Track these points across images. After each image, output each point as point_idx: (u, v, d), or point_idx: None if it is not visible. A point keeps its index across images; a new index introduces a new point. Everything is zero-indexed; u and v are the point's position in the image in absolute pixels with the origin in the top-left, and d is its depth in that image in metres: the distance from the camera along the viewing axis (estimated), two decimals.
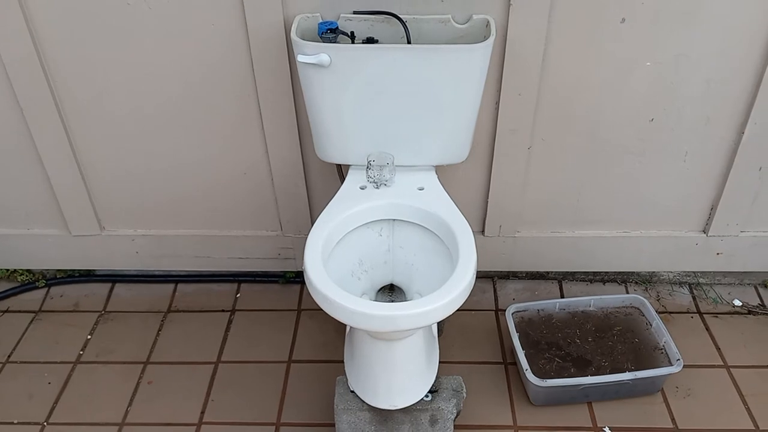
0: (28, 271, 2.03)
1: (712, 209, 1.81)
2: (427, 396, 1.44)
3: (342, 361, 1.66)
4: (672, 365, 1.61)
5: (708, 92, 1.61)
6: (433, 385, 1.44)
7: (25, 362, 1.79)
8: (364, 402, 1.42)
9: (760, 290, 1.95)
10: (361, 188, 1.51)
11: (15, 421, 1.63)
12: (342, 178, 1.64)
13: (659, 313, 1.78)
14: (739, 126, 1.66)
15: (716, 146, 1.70)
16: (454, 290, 1.22)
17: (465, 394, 1.48)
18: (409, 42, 1.43)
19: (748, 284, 1.97)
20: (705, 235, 1.85)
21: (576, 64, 1.56)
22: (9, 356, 1.80)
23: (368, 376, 1.40)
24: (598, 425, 1.59)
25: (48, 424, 1.63)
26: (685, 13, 1.49)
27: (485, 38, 1.42)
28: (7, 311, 1.95)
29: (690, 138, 1.68)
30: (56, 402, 1.68)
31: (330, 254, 1.38)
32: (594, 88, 1.60)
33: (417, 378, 1.42)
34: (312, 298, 1.26)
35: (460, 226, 1.37)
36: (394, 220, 1.49)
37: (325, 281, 1.23)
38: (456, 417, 1.48)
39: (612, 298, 1.80)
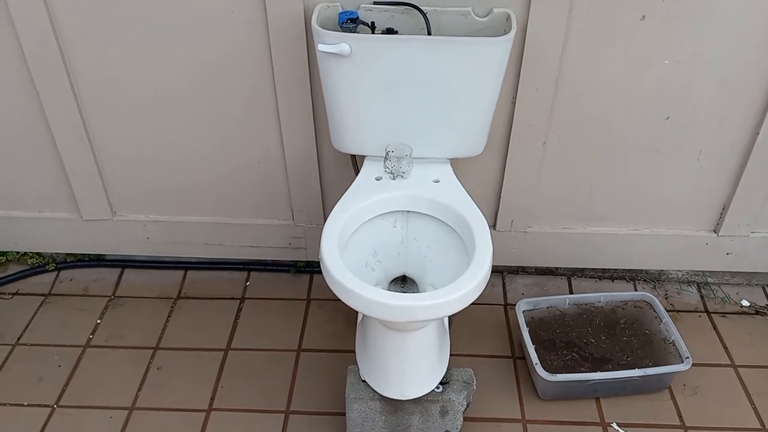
0: (39, 254, 2.04)
1: (724, 209, 1.81)
2: (438, 387, 1.44)
3: (351, 351, 1.67)
4: (681, 363, 1.62)
5: (724, 92, 1.61)
6: (444, 376, 1.45)
7: (34, 345, 1.79)
8: (375, 392, 1.43)
9: None
10: (377, 179, 1.51)
11: (25, 403, 1.64)
12: (356, 170, 1.64)
13: (667, 311, 1.78)
14: (754, 126, 1.66)
15: (730, 146, 1.70)
16: (471, 282, 1.22)
17: (475, 387, 1.49)
18: (429, 34, 1.43)
19: (756, 285, 1.98)
20: (715, 234, 1.86)
21: (594, 60, 1.56)
22: (19, 338, 1.81)
23: (380, 366, 1.41)
24: (606, 421, 1.60)
25: (58, 406, 1.63)
26: (703, 12, 1.49)
27: (505, 32, 1.42)
28: (17, 294, 1.95)
29: (704, 137, 1.69)
30: (66, 385, 1.68)
31: (345, 244, 1.38)
32: (611, 85, 1.60)
33: (429, 369, 1.42)
34: (322, 288, 1.27)
35: (476, 219, 1.38)
36: (408, 211, 1.49)
37: (342, 270, 1.24)
38: (466, 409, 1.48)
39: (622, 295, 1.81)
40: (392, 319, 1.22)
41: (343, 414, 1.54)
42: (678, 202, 1.81)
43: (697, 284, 1.98)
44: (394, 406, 1.45)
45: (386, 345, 1.37)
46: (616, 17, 1.50)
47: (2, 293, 1.95)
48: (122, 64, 1.62)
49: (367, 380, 1.44)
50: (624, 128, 1.67)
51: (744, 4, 1.48)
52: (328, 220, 1.37)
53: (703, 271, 1.96)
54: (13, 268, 2.02)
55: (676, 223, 1.85)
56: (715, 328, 1.85)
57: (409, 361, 1.38)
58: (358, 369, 1.48)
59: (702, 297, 1.94)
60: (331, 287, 1.25)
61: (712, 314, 1.89)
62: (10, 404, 1.64)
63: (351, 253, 1.40)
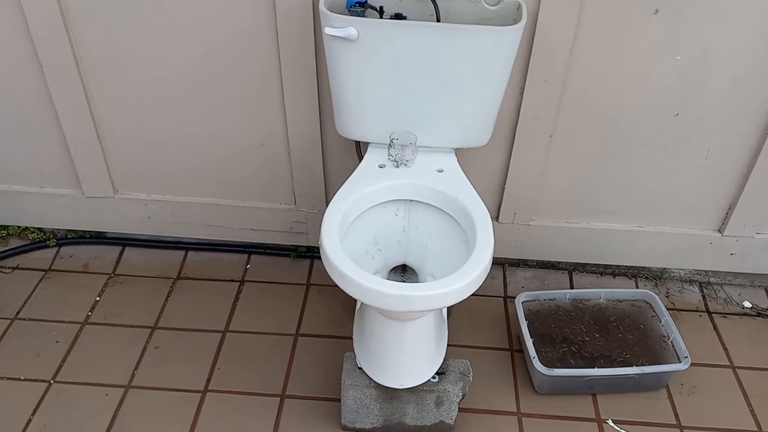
0: (40, 229, 2.04)
1: (730, 209, 1.79)
2: (434, 377, 1.44)
3: (349, 338, 1.67)
4: (679, 362, 1.61)
5: (735, 89, 1.59)
6: (440, 367, 1.45)
7: (33, 320, 1.79)
8: (371, 379, 1.43)
9: None
10: (380, 166, 1.50)
11: (22, 378, 1.64)
12: (360, 156, 1.63)
13: (668, 309, 1.77)
14: (765, 126, 1.64)
15: (739, 145, 1.68)
16: (470, 274, 1.21)
17: (472, 378, 1.49)
18: (438, 20, 1.41)
19: (759, 286, 1.96)
20: (720, 234, 1.84)
21: (605, 53, 1.54)
22: (18, 313, 1.81)
23: (377, 354, 1.40)
24: (602, 417, 1.60)
25: (55, 382, 1.64)
26: (717, 8, 1.47)
27: (516, 21, 1.40)
28: (17, 268, 1.95)
29: (713, 135, 1.67)
30: (63, 361, 1.69)
31: (346, 231, 1.37)
32: (621, 79, 1.58)
33: (425, 359, 1.42)
34: (322, 273, 1.26)
35: (479, 211, 1.36)
36: (410, 200, 1.48)
37: (341, 258, 1.23)
38: (461, 400, 1.48)
39: (622, 292, 1.80)
40: (390, 308, 1.21)
41: (339, 400, 1.54)
42: (683, 200, 1.79)
43: (699, 284, 1.96)
44: (389, 394, 1.45)
45: (383, 333, 1.37)
46: (629, 10, 1.48)
47: (2, 267, 1.95)
48: (128, 42, 1.61)
49: (363, 368, 1.44)
50: (632, 123, 1.65)
51: (758, 0, 1.45)
52: (329, 206, 1.36)
53: (705, 271, 1.95)
54: (14, 243, 2.02)
55: (680, 221, 1.84)
56: (715, 328, 1.83)
57: (405, 351, 1.38)
58: (355, 356, 1.47)
59: (704, 296, 1.93)
60: (330, 274, 1.25)
61: (713, 314, 1.88)
62: (7, 378, 1.64)
63: (351, 241, 1.39)
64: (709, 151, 1.69)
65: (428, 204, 1.46)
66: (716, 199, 1.78)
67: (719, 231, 1.85)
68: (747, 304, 1.91)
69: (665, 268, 1.96)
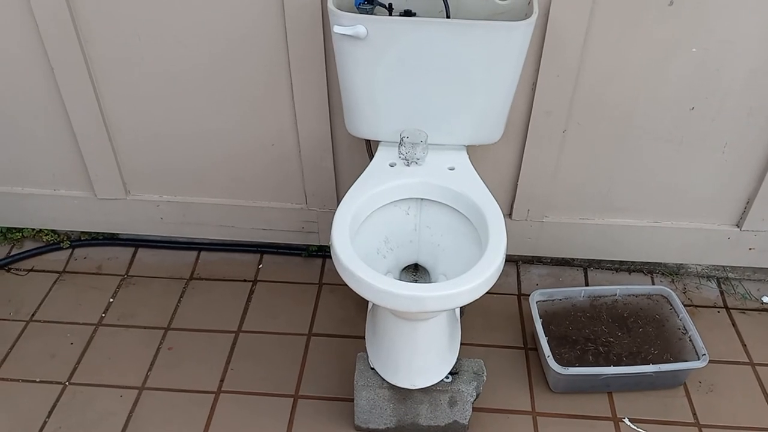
0: (53, 231, 2.05)
1: (748, 203, 1.76)
2: (447, 377, 1.43)
3: (362, 337, 1.66)
4: (697, 359, 1.58)
5: (752, 82, 1.55)
6: (454, 366, 1.44)
7: (48, 322, 1.80)
8: (384, 380, 1.42)
9: None
10: (391, 165, 1.49)
11: (37, 380, 1.65)
12: (371, 155, 1.62)
13: (685, 306, 1.75)
14: None
15: (757, 138, 1.65)
16: (483, 274, 1.20)
17: (485, 378, 1.47)
18: (448, 16, 1.40)
19: None
20: (738, 229, 1.81)
21: (619, 46, 1.51)
22: (33, 315, 1.82)
23: (390, 354, 1.39)
24: (618, 416, 1.58)
25: (69, 384, 1.65)
26: None
27: (527, 16, 1.37)
28: (32, 270, 1.96)
29: (731, 129, 1.63)
30: (78, 363, 1.70)
31: (357, 230, 1.36)
32: (635, 73, 1.55)
33: (438, 359, 1.41)
34: (334, 272, 1.25)
35: (491, 209, 1.35)
36: (422, 199, 1.47)
37: (352, 258, 1.22)
38: (475, 400, 1.47)
39: (639, 289, 1.77)
40: (402, 309, 1.20)
41: (352, 400, 1.53)
42: (700, 194, 1.76)
43: (717, 279, 1.93)
44: (402, 394, 1.44)
45: (396, 334, 1.36)
46: (643, 2, 1.45)
47: (17, 269, 1.97)
48: (137, 43, 1.61)
49: (376, 368, 1.43)
50: (647, 118, 1.63)
51: None
52: (339, 206, 1.35)
53: (723, 266, 1.92)
54: (29, 245, 2.03)
55: (697, 216, 1.81)
56: (734, 324, 1.80)
57: (418, 351, 1.37)
58: (368, 356, 1.46)
59: (721, 292, 1.90)
60: (340, 275, 1.24)
61: (731, 310, 1.85)
62: (23, 380, 1.65)
63: (362, 240, 1.38)
64: (727, 144, 1.66)
65: (440, 202, 1.44)
66: (734, 193, 1.75)
67: (737, 225, 1.81)
68: (766, 300, 1.87)
69: (682, 264, 1.93)
